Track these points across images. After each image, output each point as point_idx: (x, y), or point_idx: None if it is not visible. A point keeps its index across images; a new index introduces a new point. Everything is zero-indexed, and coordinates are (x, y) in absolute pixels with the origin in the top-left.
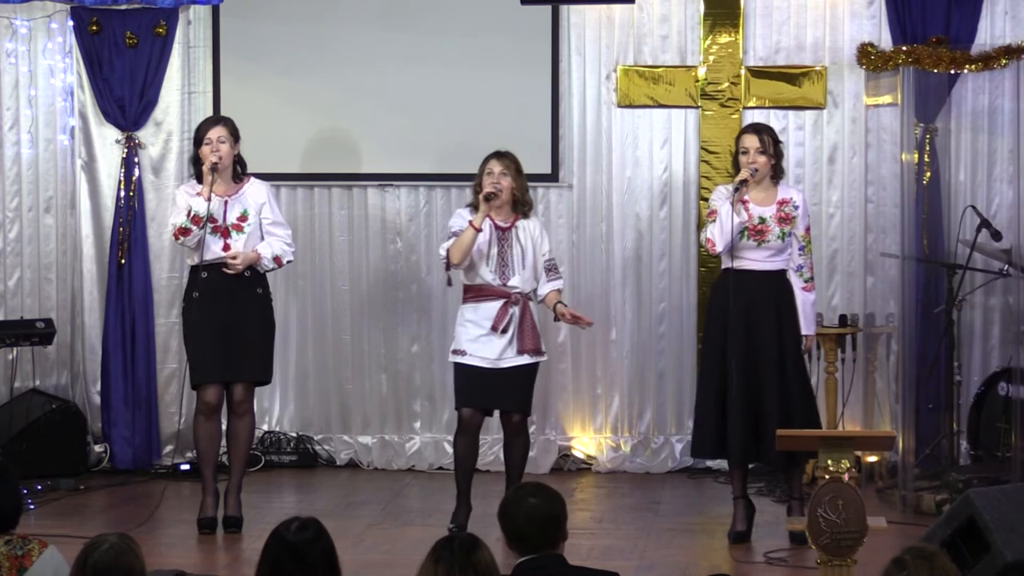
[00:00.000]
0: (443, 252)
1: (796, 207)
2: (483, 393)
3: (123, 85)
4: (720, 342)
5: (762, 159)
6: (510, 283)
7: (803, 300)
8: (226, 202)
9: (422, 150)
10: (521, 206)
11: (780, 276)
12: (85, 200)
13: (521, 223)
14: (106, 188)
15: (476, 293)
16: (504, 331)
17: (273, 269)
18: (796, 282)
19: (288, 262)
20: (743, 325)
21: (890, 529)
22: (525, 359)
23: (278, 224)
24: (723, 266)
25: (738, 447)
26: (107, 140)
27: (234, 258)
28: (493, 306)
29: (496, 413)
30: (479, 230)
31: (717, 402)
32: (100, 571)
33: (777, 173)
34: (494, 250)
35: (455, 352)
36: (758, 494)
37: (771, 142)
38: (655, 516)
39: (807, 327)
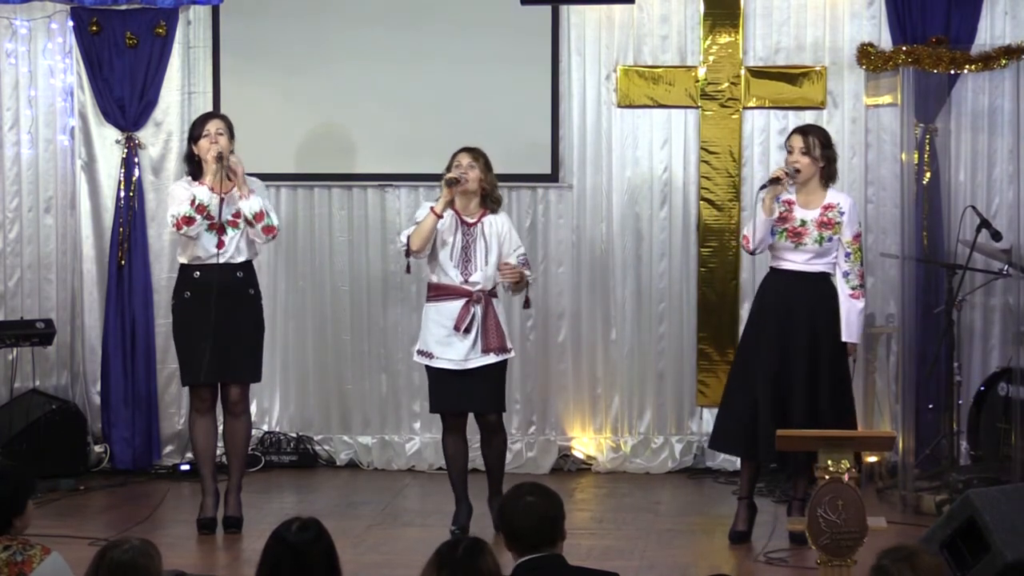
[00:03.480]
0: (403, 239)
1: (842, 213)
2: (456, 396)
3: (123, 85)
4: (753, 341)
5: (805, 160)
6: (472, 279)
7: (848, 307)
8: (222, 199)
9: (422, 150)
10: (490, 201)
11: (820, 279)
12: (85, 200)
13: (488, 218)
14: (106, 188)
15: (438, 292)
16: (467, 331)
17: (258, 221)
18: (843, 288)
19: (268, 228)
20: (777, 325)
21: (890, 529)
22: (492, 358)
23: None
24: (769, 264)
25: (762, 445)
26: (107, 140)
27: (234, 161)
28: (455, 306)
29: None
30: (440, 216)
31: (743, 399)
32: (114, 569)
33: (827, 176)
34: (458, 245)
35: (421, 353)
36: (758, 494)
37: (817, 144)
38: (655, 516)
39: (850, 335)
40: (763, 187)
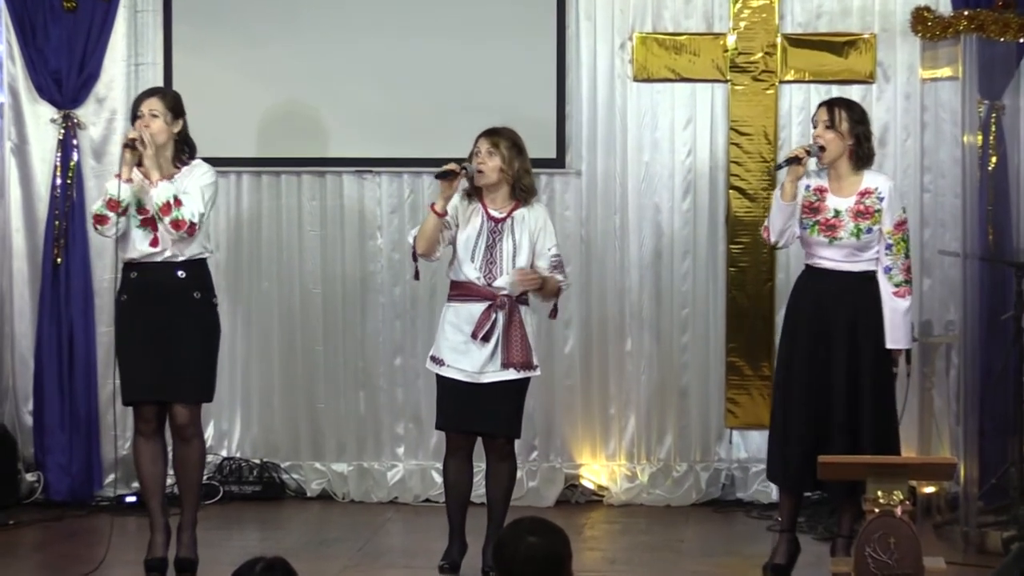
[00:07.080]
0: (411, 239)
1: (881, 198)
2: (465, 413)
3: (60, 56)
4: (788, 352)
5: (829, 135)
6: (496, 283)
7: (891, 308)
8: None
9: (406, 131)
10: (520, 191)
11: (862, 278)
12: (15, 188)
13: (520, 212)
14: (40, 175)
15: (460, 292)
16: (486, 339)
17: (165, 214)
18: (885, 286)
19: (176, 223)
20: (811, 334)
21: (949, 571)
22: (511, 374)
23: (194, 193)
24: (804, 262)
25: (793, 472)
26: (41, 119)
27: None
28: (475, 309)
29: None
30: (441, 214)
31: (785, 421)
32: None
33: (859, 157)
34: (482, 243)
35: (433, 359)
36: (797, 530)
37: (845, 117)
38: (677, 556)
39: (895, 340)
40: (779, 167)
